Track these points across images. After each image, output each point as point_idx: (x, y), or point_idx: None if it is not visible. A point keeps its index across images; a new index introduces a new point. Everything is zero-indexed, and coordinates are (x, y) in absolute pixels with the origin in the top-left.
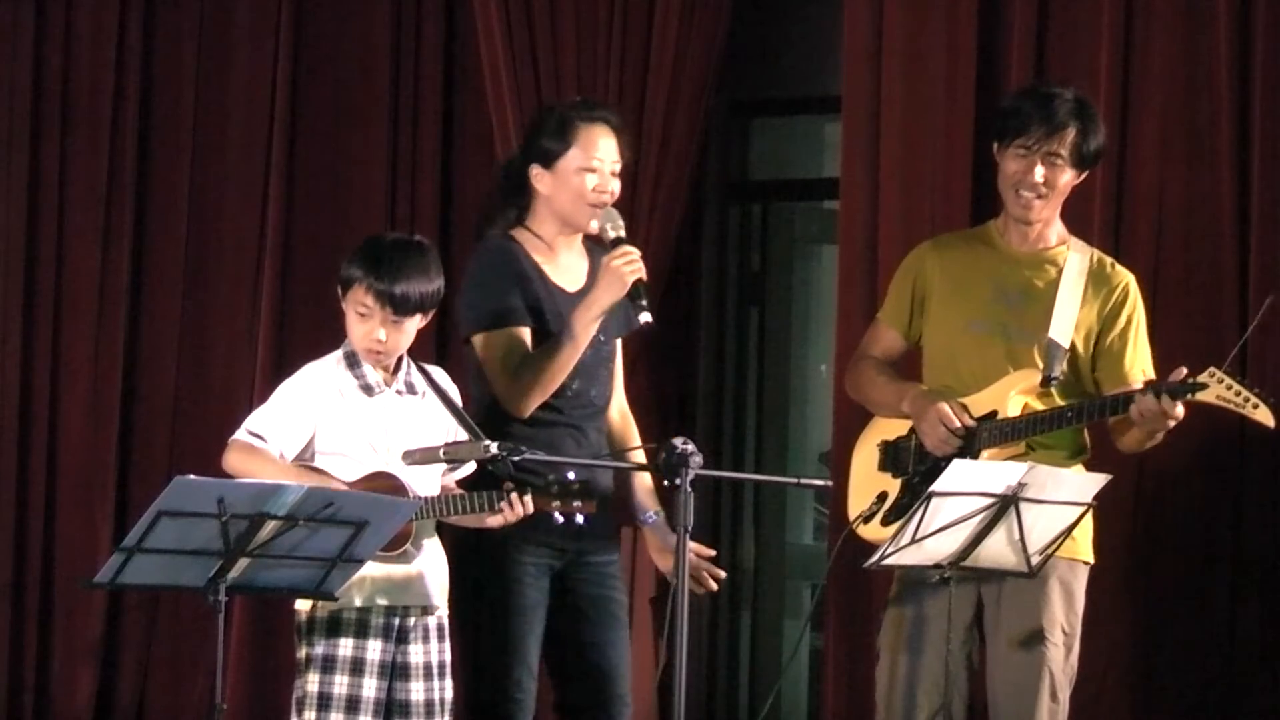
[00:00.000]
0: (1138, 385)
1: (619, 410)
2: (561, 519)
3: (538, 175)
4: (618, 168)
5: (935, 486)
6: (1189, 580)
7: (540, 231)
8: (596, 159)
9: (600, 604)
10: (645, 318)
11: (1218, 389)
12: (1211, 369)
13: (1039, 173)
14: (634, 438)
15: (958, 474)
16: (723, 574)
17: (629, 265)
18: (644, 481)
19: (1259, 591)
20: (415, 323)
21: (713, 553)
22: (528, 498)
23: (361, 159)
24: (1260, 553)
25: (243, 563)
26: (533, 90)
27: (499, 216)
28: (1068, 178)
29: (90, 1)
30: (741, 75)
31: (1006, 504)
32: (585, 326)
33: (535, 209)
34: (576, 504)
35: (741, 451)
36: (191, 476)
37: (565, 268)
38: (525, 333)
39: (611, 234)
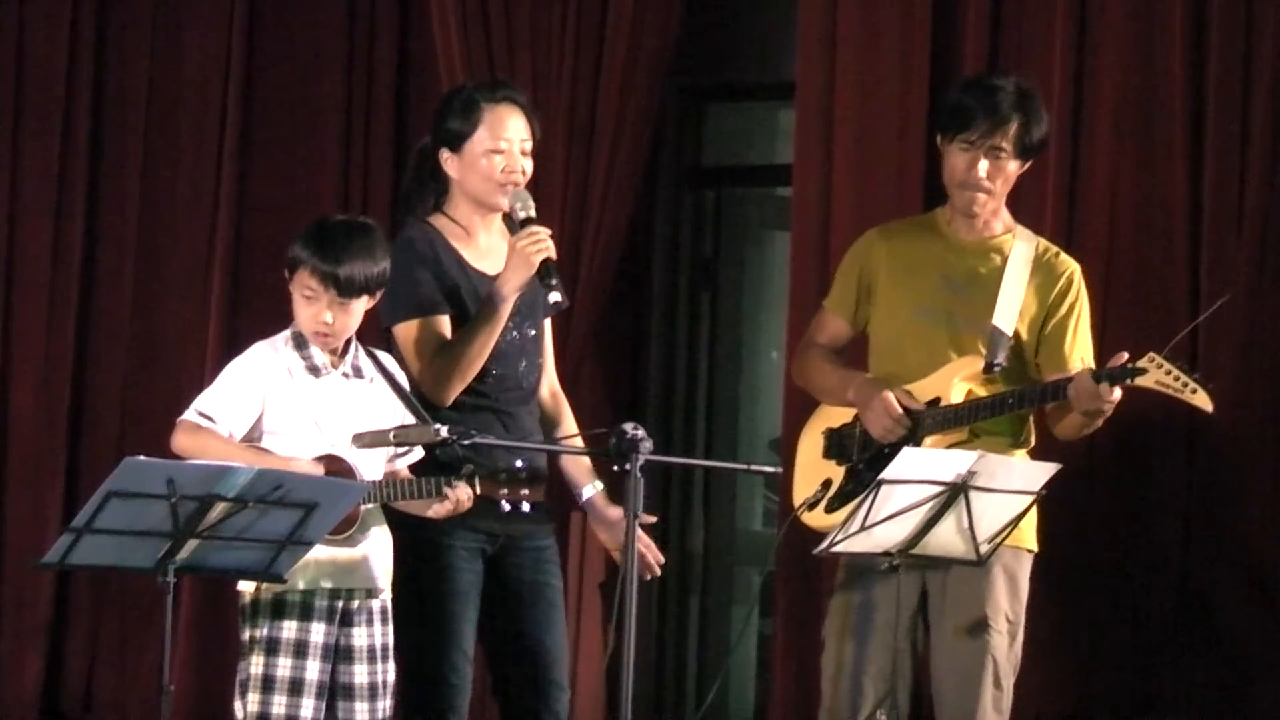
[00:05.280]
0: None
1: (550, 390)
2: (508, 507)
3: (447, 159)
4: (528, 146)
5: (885, 474)
6: (1129, 569)
7: (456, 216)
8: (504, 139)
9: (535, 589)
10: (554, 297)
11: (1157, 374)
12: (1151, 354)
13: (983, 167)
14: (566, 415)
15: (908, 462)
16: (662, 558)
17: (535, 245)
18: (580, 461)
19: (1204, 580)
20: (362, 304)
21: (653, 518)
22: (475, 483)
23: (315, 148)
24: (1205, 540)
25: (192, 544)
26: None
27: (417, 204)
28: (1013, 168)
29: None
30: (696, 61)
31: (956, 492)
32: (497, 309)
33: (451, 194)
34: (524, 492)
35: (692, 437)
36: (141, 457)
37: (485, 251)
38: (443, 320)
39: (521, 214)
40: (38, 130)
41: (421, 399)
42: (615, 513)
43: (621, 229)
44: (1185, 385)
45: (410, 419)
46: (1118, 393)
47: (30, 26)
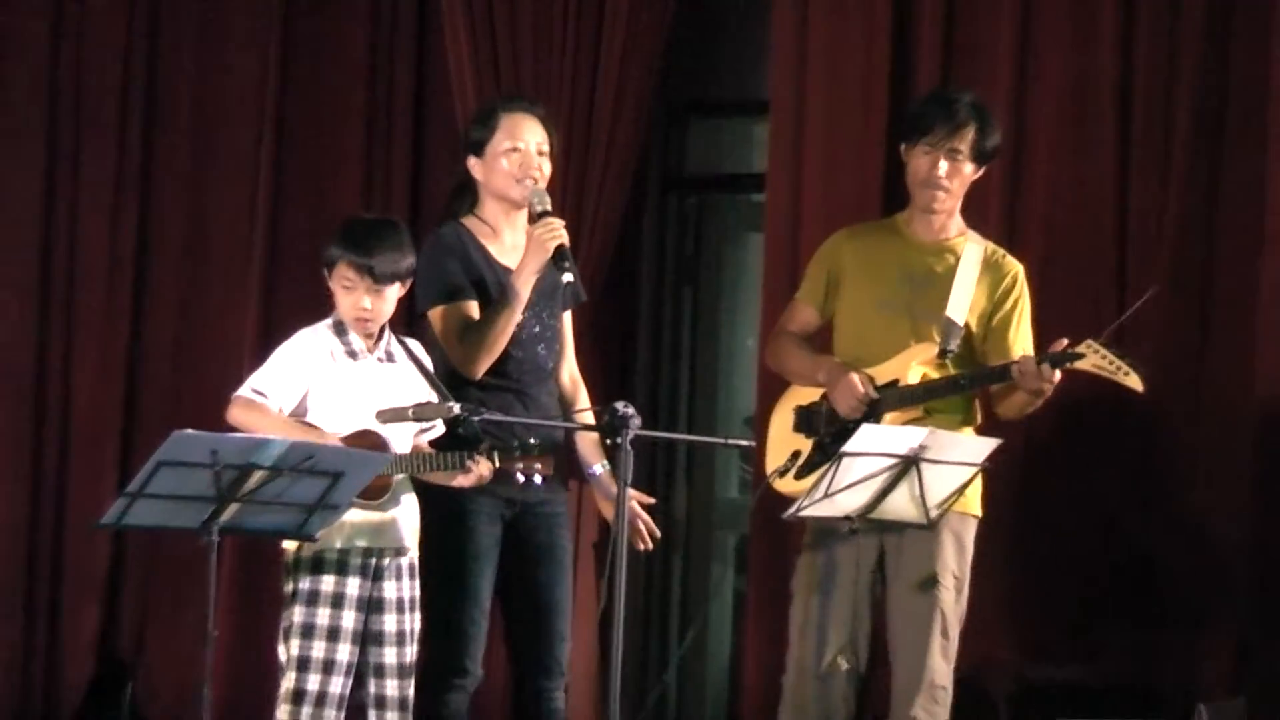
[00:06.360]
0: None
1: (570, 376)
2: (524, 478)
3: (473, 165)
4: (545, 149)
5: (846, 448)
6: (1065, 531)
7: (485, 217)
8: (521, 140)
9: (546, 550)
10: (568, 277)
11: (1094, 358)
12: (1089, 341)
13: (943, 167)
14: (583, 399)
15: (866, 437)
16: (658, 533)
17: (550, 233)
18: (590, 438)
19: (1136, 539)
20: (395, 291)
21: (653, 500)
22: (496, 456)
23: (341, 153)
24: (1135, 504)
25: (232, 508)
26: (497, 94)
27: (456, 209)
28: (969, 170)
29: (101, 10)
30: (679, 81)
31: (909, 464)
32: (518, 291)
33: (480, 197)
34: (537, 465)
35: (676, 414)
36: (189, 430)
37: (510, 248)
38: (471, 305)
39: (538, 208)
40: (96, 139)
41: (453, 375)
42: (615, 490)
43: (613, 230)
44: (1119, 369)
45: (431, 397)
46: (1058, 374)
47: (89, 45)
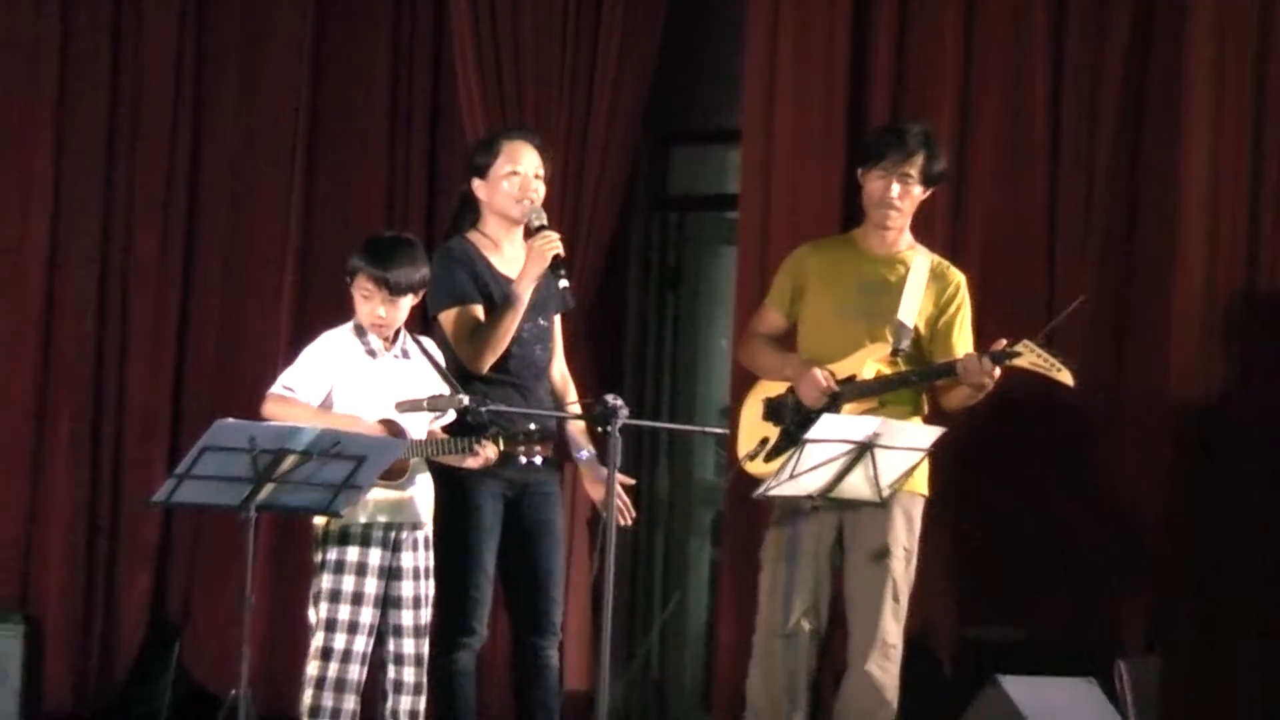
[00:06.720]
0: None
1: (560, 373)
2: (525, 461)
3: (478, 186)
4: (541, 172)
5: (809, 435)
6: (1000, 508)
7: (487, 232)
8: (520, 165)
9: (542, 525)
10: (563, 283)
11: (1030, 356)
12: (1025, 341)
13: (895, 189)
14: (572, 392)
15: (826, 425)
16: (633, 511)
17: (548, 245)
18: (578, 427)
19: (1061, 515)
20: (408, 301)
21: (633, 482)
22: (501, 441)
23: (365, 177)
24: (1060, 485)
25: (268, 488)
26: (500, 124)
27: (460, 225)
28: (918, 192)
29: (153, 39)
30: (663, 113)
31: (864, 449)
32: (520, 296)
33: (483, 215)
34: (537, 448)
35: (659, 405)
36: (230, 420)
37: (510, 259)
38: (478, 309)
39: (535, 223)
40: (148, 160)
41: (462, 370)
42: (602, 472)
43: (605, 243)
44: (1052, 365)
45: (443, 389)
46: (998, 371)
47: (141, 74)
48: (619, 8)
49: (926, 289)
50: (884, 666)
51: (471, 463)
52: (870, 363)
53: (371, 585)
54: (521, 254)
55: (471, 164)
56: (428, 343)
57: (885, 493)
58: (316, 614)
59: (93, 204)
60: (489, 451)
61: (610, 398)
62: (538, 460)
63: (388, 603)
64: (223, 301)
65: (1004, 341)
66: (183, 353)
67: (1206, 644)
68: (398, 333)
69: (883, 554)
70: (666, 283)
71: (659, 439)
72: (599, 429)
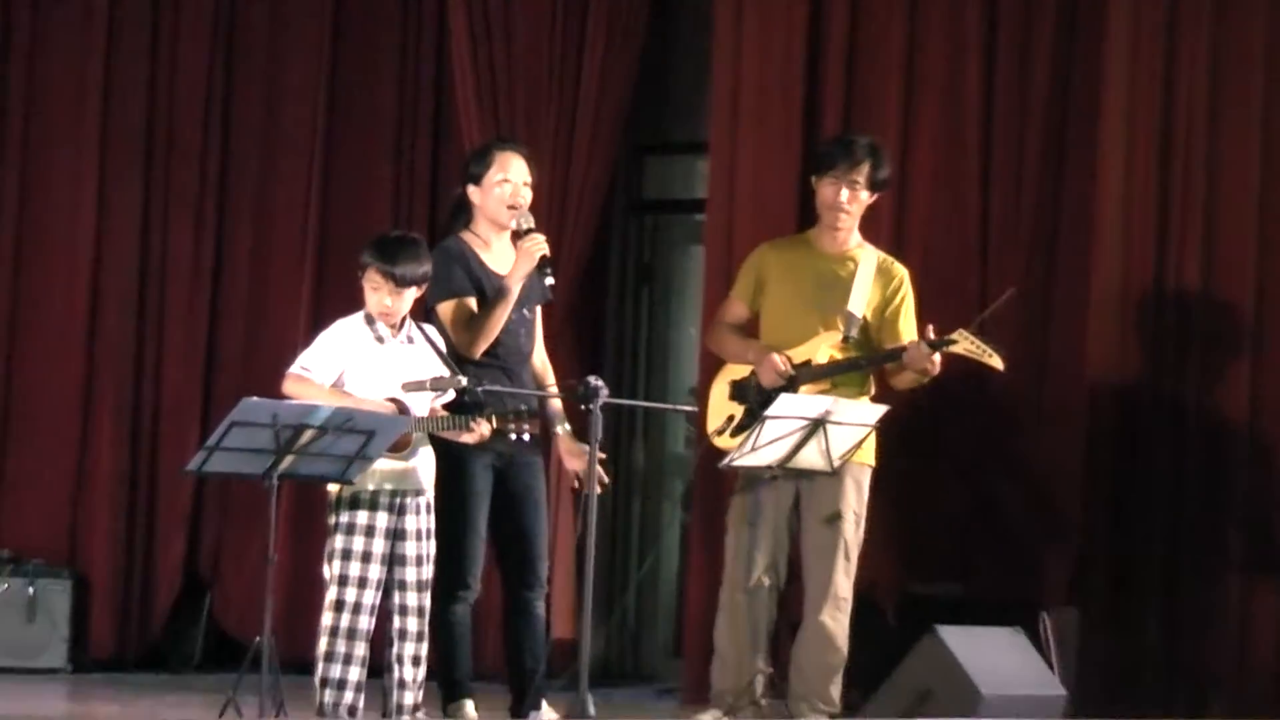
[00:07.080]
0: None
1: (540, 359)
2: (514, 436)
3: (472, 191)
4: (529, 180)
5: (768, 412)
6: (940, 480)
7: (479, 233)
8: (511, 174)
9: (526, 492)
10: (549, 281)
11: (965, 343)
12: (960, 330)
13: (844, 195)
14: (550, 376)
15: (784, 404)
16: (607, 479)
17: (536, 245)
18: (556, 405)
19: (993, 486)
20: (412, 293)
21: (604, 455)
22: (494, 419)
23: (375, 182)
24: (993, 458)
25: (289, 458)
26: (494, 136)
27: (455, 225)
28: (865, 196)
29: (187, 60)
30: (640, 125)
31: (817, 425)
32: (510, 290)
33: (476, 217)
34: (525, 425)
35: (635, 386)
36: (255, 398)
37: (499, 256)
38: (472, 301)
39: (524, 226)
40: (181, 169)
41: (457, 356)
42: (575, 446)
43: (587, 243)
44: (984, 351)
45: (444, 372)
46: (938, 357)
47: (176, 92)
48: (600, 38)
49: (874, 283)
50: (836, 618)
51: (468, 437)
52: (824, 348)
53: (379, 545)
54: (510, 252)
55: (467, 171)
56: (430, 330)
57: (837, 463)
58: (330, 570)
59: (133, 207)
60: (483, 427)
61: (592, 379)
62: (525, 435)
63: (393, 560)
64: (248, 294)
65: (932, 331)
66: (213, 338)
67: (1119, 598)
68: (403, 321)
69: (835, 518)
70: (642, 278)
71: (635, 416)
72: (582, 407)
